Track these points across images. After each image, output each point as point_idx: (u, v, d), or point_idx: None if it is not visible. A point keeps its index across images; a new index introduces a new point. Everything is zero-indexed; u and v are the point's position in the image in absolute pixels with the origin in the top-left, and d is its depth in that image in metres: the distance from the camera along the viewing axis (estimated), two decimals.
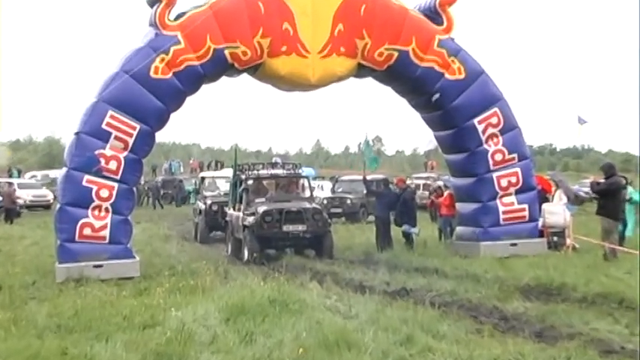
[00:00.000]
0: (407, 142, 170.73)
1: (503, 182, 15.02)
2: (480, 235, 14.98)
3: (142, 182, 36.19)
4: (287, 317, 7.88)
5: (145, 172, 43.64)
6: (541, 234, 15.30)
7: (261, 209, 15.67)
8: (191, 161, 65.86)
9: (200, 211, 21.59)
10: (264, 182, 17.54)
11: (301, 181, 17.82)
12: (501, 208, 15.03)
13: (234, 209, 17.38)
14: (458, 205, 16.08)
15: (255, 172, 17.33)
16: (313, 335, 6.98)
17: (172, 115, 13.57)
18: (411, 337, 7.08)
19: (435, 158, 65.18)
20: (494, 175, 15.02)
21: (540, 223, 15.41)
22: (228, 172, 22.16)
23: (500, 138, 14.98)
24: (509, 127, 15.09)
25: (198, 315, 8.22)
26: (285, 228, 15.46)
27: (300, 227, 15.50)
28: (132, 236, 13.36)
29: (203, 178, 24.46)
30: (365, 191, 24.21)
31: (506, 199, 15.06)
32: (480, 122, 14.85)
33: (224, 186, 22.57)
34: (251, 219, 15.62)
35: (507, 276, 11.53)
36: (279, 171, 17.69)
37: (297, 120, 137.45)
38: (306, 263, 14.51)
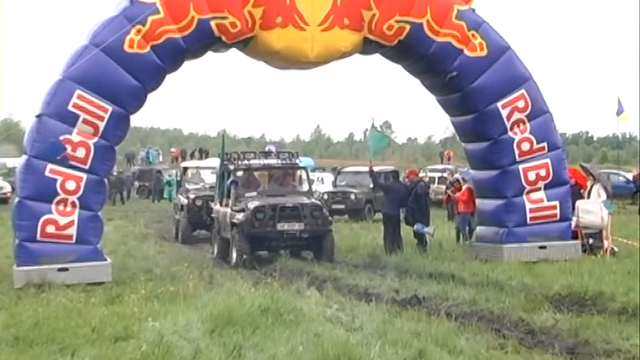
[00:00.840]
0: (420, 129, 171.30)
1: (531, 175, 15.01)
2: (503, 236, 15.01)
3: (115, 173, 36.12)
4: (281, 329, 7.90)
5: (119, 161, 43.77)
6: (574, 235, 15.31)
7: (252, 205, 15.69)
8: (172, 149, 65.94)
9: (182, 207, 21.66)
10: (256, 174, 17.55)
11: (298, 172, 17.83)
12: (528, 206, 15.02)
13: (221, 205, 17.42)
14: (478, 201, 16.12)
15: (246, 162, 17.33)
16: (311, 350, 6.98)
17: (150, 96, 13.55)
18: (424, 352, 7.09)
19: (453, 148, 65.39)
20: (521, 166, 15.01)
21: (574, 222, 15.39)
22: (215, 161, 22.14)
23: (528, 124, 14.98)
24: (538, 111, 15.08)
25: (179, 326, 8.23)
26: (279, 226, 15.51)
27: (297, 226, 15.55)
28: (102, 235, 13.38)
29: (185, 169, 24.55)
30: (371, 185, 24.18)
31: (534, 195, 15.05)
32: (504, 106, 14.84)
33: (210, 178, 22.62)
34: (240, 216, 15.65)
35: (535, 283, 11.57)
36: (273, 161, 17.72)
37: (294, 103, 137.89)
38: (303, 267, 14.58)
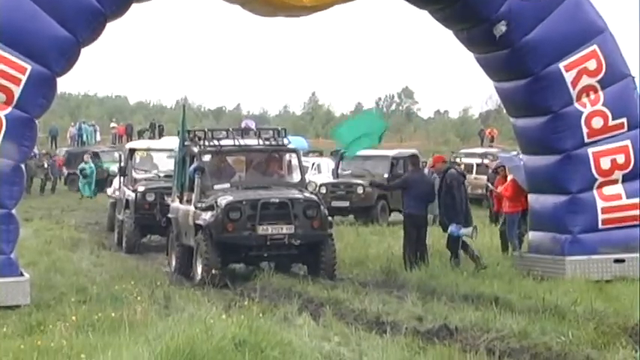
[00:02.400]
0: (453, 99, 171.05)
1: (605, 163, 15.06)
2: (566, 245, 15.09)
3: (36, 156, 36.13)
4: None
5: (41, 140, 43.50)
6: None
7: (223, 201, 15.63)
8: (113, 124, 65.91)
9: (127, 204, 21.58)
10: (229, 159, 17.49)
11: (287, 156, 17.77)
12: (600, 204, 15.09)
13: (181, 201, 17.34)
14: (531, 197, 16.18)
15: (215, 142, 17.25)
16: None
17: (85, 51, 13.55)
18: None
19: (497, 125, 65.41)
20: (591, 150, 15.05)
21: None
22: (173, 141, 22.01)
23: (601, 93, 15.07)
24: (616, 75, 15.15)
25: None
26: (261, 230, 15.46)
27: (285, 229, 15.50)
28: (18, 241, 13.36)
29: (132, 152, 23.80)
30: (386, 174, 24.14)
31: (608, 190, 15.11)
32: (568, 67, 14.92)
33: (165, 164, 22.50)
34: (208, 216, 15.59)
35: (608, 310, 11.56)
36: (252, 141, 17.62)
37: (282, 63, 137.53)
38: (293, 285, 14.58)
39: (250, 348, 8.42)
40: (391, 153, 29.20)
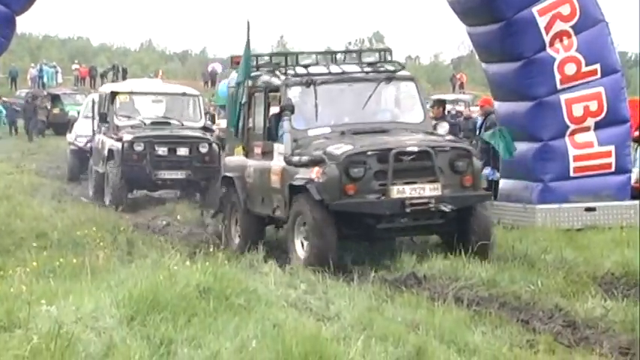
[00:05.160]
0: (424, 44, 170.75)
1: (577, 109, 15.05)
2: (536, 193, 15.14)
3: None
4: (227, 317, 7.84)
5: (0, 80, 43.18)
6: (635, 194, 15.34)
7: (337, 151, 12.09)
8: (75, 66, 65.47)
9: (110, 155, 20.20)
10: (326, 92, 13.38)
11: (403, 86, 13.99)
12: (572, 152, 15.10)
13: (247, 154, 14.20)
14: None
15: (302, 70, 13.58)
16: (268, 346, 6.92)
17: None
18: (423, 350, 7.05)
19: (469, 71, 65.42)
20: (563, 97, 15.03)
21: (634, 176, 15.58)
22: (153, 83, 21.29)
23: (575, 38, 15.01)
24: (590, 20, 15.07)
25: (85, 312, 8.02)
26: (396, 192, 12.04)
27: (429, 189, 12.12)
28: None
29: (114, 95, 21.73)
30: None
31: (580, 137, 15.12)
32: (541, 12, 14.85)
33: (150, 109, 21.61)
34: (314, 174, 12.10)
35: (579, 259, 11.57)
36: (353, 67, 13.96)
37: (249, 6, 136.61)
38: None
39: (215, 295, 8.34)
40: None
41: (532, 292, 9.79)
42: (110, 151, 20.22)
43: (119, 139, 19.89)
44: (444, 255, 11.80)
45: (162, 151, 19.10)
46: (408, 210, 11.83)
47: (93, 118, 22.55)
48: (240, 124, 14.17)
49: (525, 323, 8.57)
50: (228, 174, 14.32)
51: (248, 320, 7.70)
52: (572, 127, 15.13)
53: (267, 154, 13.23)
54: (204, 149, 19.81)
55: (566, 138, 15.15)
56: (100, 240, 12.48)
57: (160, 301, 8.08)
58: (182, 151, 19.79)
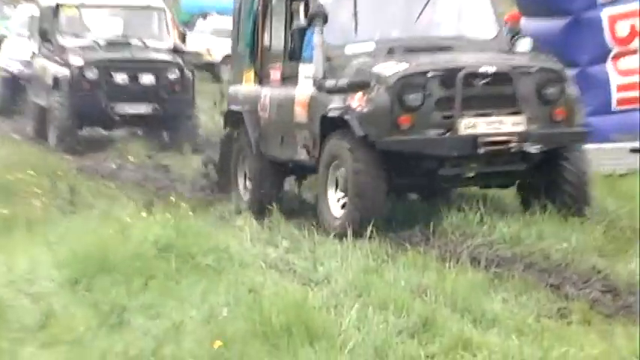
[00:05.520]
0: None
1: (622, 28, 14.19)
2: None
3: None
4: (192, 280, 7.79)
5: None
6: None
7: (388, 71, 10.24)
8: None
9: (56, 83, 18.87)
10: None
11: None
12: (615, 80, 14.33)
13: (261, 80, 12.42)
14: None
15: None
16: (243, 314, 6.75)
17: None
18: (431, 320, 6.75)
19: None
20: (604, 13, 14.22)
21: None
22: None
23: None
24: None
25: (18, 273, 8.22)
26: (464, 127, 10.17)
27: (511, 123, 10.21)
28: None
29: (57, 8, 20.44)
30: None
31: (625, 62, 14.31)
32: None
33: (105, 26, 19.91)
34: (355, 102, 10.52)
35: (622, 211, 10.77)
36: None
37: None
38: None
39: (177, 254, 8.25)
40: None
41: (564, 250, 9.20)
42: (55, 79, 18.62)
43: (66, 64, 18.27)
44: (458, 206, 10.37)
45: (120, 78, 17.66)
46: (481, 151, 9.88)
47: (31, 36, 21.05)
48: (247, 44, 12.23)
49: (556, 288, 8.17)
50: (234, 107, 12.27)
51: (218, 284, 7.73)
52: (615, 49, 14.33)
53: (290, 79, 11.16)
54: (173, 76, 18.05)
55: (608, 63, 14.38)
56: (37, 186, 12.22)
57: (109, 260, 8.12)
58: (146, 79, 18.07)
